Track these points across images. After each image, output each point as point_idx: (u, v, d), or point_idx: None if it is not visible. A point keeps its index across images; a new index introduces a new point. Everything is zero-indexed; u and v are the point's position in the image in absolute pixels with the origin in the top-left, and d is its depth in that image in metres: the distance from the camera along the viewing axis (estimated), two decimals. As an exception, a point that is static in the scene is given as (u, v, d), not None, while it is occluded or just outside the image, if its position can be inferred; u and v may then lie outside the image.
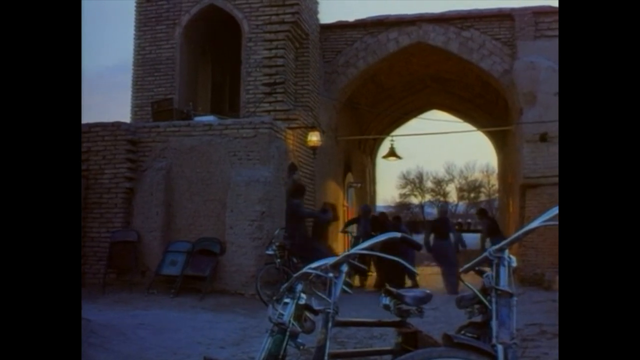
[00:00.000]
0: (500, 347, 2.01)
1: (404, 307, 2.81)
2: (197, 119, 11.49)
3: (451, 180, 54.53)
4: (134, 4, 13.09)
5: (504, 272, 2.19)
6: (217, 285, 10.20)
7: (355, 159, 18.40)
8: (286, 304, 2.64)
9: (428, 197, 55.45)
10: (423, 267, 17.32)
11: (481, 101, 18.07)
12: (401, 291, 2.83)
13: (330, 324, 2.44)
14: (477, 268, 2.41)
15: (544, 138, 12.63)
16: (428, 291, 2.95)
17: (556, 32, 13.11)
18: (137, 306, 9.61)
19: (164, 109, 11.63)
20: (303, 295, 2.60)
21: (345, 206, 16.71)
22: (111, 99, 56.93)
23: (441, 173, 54.52)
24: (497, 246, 2.25)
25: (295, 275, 2.65)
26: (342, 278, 2.50)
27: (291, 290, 2.63)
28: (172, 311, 9.36)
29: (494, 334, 2.06)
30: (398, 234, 2.60)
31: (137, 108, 12.79)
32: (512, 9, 13.91)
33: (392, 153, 18.62)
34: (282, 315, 2.62)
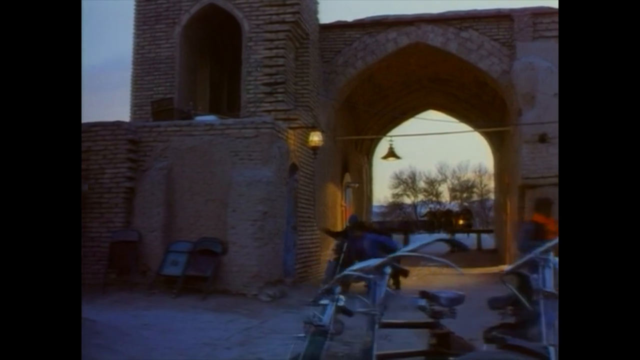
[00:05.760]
0: (552, 349, 2.01)
1: (437, 308, 2.81)
2: (198, 118, 11.45)
3: (444, 180, 54.64)
4: (133, 3, 13.02)
5: (549, 274, 2.19)
6: (218, 285, 10.17)
7: (353, 159, 18.41)
8: (323, 305, 2.62)
9: (421, 197, 55.52)
10: (420, 268, 17.36)
11: (477, 102, 18.12)
12: (435, 292, 2.83)
13: (376, 326, 2.43)
14: (518, 270, 2.41)
15: (543, 139, 12.67)
16: (461, 292, 2.95)
17: (555, 33, 13.15)
18: (138, 306, 9.55)
19: (165, 109, 11.58)
20: (341, 297, 2.59)
21: (344, 206, 16.71)
22: (102, 97, 56.53)
23: (434, 173, 54.58)
24: (543, 248, 2.25)
25: (336, 277, 2.64)
26: (386, 280, 2.49)
27: (330, 292, 2.62)
28: (174, 311, 9.32)
29: (544, 336, 2.06)
30: (446, 236, 2.59)
31: (136, 107, 12.71)
32: (511, 10, 13.94)
33: (391, 153, 18.63)
34: (320, 317, 2.60)
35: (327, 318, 2.54)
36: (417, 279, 14.84)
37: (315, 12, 13.87)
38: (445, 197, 54.68)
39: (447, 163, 59.82)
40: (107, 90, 61.72)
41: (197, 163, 10.66)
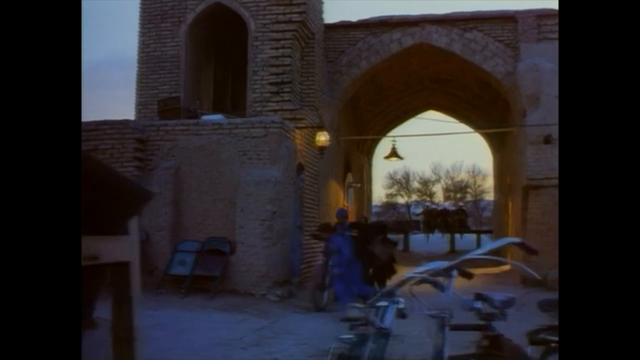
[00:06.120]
0: None
1: (489, 310, 2.80)
2: (205, 117, 11.41)
3: (437, 180, 54.80)
4: (138, 1, 12.96)
5: None
6: (226, 285, 10.14)
7: (354, 159, 18.41)
8: (380, 307, 2.61)
9: (414, 197, 55.64)
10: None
11: (479, 102, 18.16)
12: (489, 294, 2.83)
13: (446, 328, 2.43)
14: None
15: (547, 140, 12.71)
16: (512, 295, 2.95)
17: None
18: (145, 306, 9.40)
19: (171, 107, 11.53)
20: (401, 300, 2.58)
21: (346, 206, 16.71)
22: (101, 95, 56.08)
23: (428, 173, 54.74)
24: None
25: (401, 279, 2.63)
26: (453, 283, 2.48)
27: (390, 295, 2.61)
28: (183, 311, 9.28)
29: None
30: (517, 239, 2.59)
31: (141, 106, 12.65)
32: (515, 12, 13.98)
33: (393, 153, 18.64)
34: (378, 320, 2.59)
35: (389, 320, 2.54)
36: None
37: (321, 11, 13.86)
38: (439, 197, 54.88)
39: (441, 163, 59.94)
40: (107, 89, 61.32)
41: (205, 162, 10.62)
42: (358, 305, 2.97)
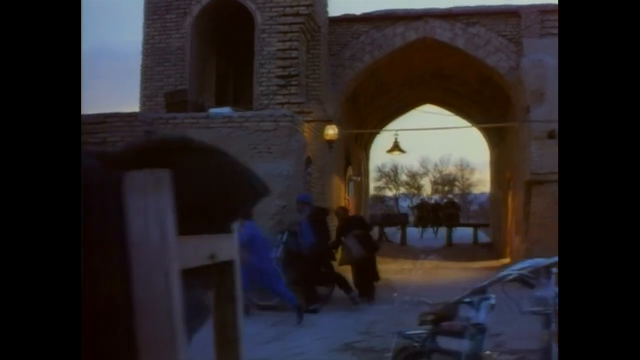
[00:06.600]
0: None
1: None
2: (213, 111, 11.33)
3: (426, 174, 54.99)
4: (143, -7, 12.83)
5: None
6: (237, 279, 10.08)
7: (354, 153, 18.41)
8: (470, 303, 2.61)
9: (402, 190, 55.79)
10: (422, 262, 17.48)
11: (479, 98, 18.21)
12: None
13: (553, 325, 2.43)
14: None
15: (552, 135, 12.78)
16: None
17: (563, 31, 13.26)
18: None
19: (178, 101, 11.43)
20: (492, 297, 2.58)
21: (347, 200, 16.73)
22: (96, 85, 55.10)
23: (416, 167, 54.84)
24: None
25: (498, 276, 2.63)
26: (553, 280, 2.48)
27: (483, 292, 2.61)
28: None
29: None
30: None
31: (145, 98, 12.55)
32: (519, 7, 14.02)
33: (396, 147, 18.67)
34: (471, 317, 2.59)
35: (483, 316, 2.54)
36: (423, 273, 14.95)
37: (326, 5, 13.82)
38: (427, 190, 55.13)
39: (429, 157, 60.05)
40: (105, 79, 60.29)
41: (215, 156, 10.53)
42: (430, 301, 2.96)
